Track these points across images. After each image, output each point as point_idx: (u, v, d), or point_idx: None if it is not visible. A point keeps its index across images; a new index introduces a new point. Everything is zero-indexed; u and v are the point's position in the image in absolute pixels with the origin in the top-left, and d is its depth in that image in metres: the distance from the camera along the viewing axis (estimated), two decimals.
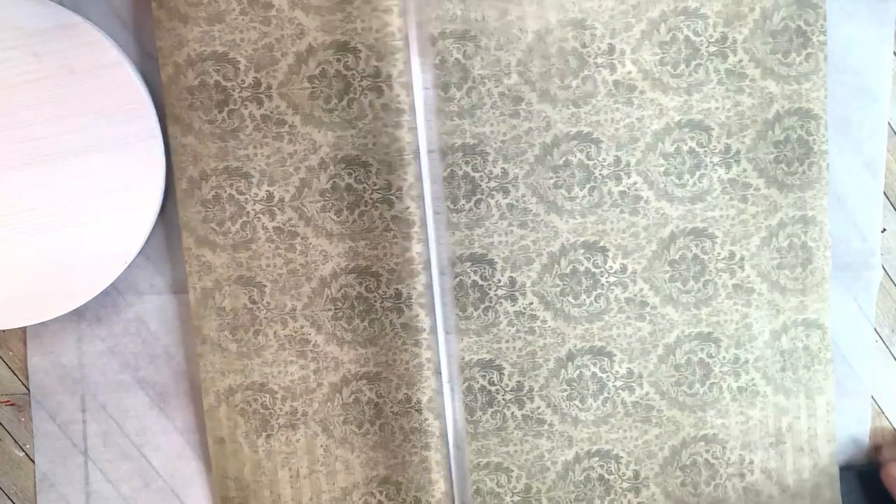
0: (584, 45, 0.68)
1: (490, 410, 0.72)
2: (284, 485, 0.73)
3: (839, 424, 0.75)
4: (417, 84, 0.63)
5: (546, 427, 0.73)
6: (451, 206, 0.70)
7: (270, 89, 0.68)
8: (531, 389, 0.72)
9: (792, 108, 0.70)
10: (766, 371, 0.73)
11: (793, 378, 0.73)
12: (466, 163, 0.69)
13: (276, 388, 0.72)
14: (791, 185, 0.71)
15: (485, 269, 0.71)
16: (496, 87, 0.69)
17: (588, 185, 0.70)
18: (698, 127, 0.70)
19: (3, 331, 0.74)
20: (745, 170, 0.71)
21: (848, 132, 0.73)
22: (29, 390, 0.74)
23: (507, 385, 0.72)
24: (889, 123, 0.73)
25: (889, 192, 0.75)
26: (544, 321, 0.71)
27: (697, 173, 0.71)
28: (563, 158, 0.70)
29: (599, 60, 0.69)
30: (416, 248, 0.69)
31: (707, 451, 0.74)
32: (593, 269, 0.71)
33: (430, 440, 0.71)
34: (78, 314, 0.73)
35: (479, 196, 0.70)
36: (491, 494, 0.73)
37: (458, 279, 0.71)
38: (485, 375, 0.72)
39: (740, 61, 0.70)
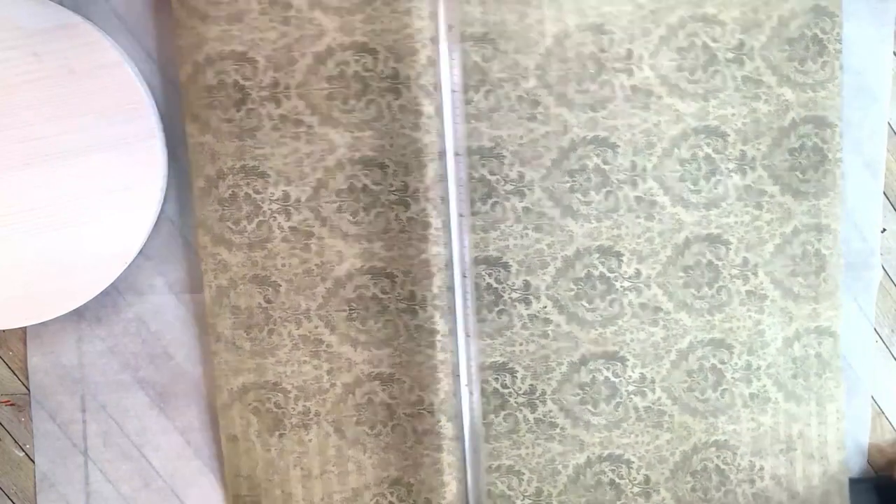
0: (602, 50, 0.68)
1: (503, 413, 0.72)
2: (296, 484, 0.73)
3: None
4: (446, 86, 0.63)
5: (558, 431, 0.73)
6: (467, 209, 0.70)
7: (289, 89, 0.68)
8: (544, 393, 0.72)
9: (807, 116, 0.71)
10: (778, 378, 0.73)
11: (804, 385, 0.73)
12: (483, 165, 0.70)
13: (289, 387, 0.72)
14: (806, 193, 0.72)
15: (499, 272, 0.71)
16: (514, 90, 0.69)
17: (604, 190, 0.70)
18: (714, 133, 0.70)
19: (3, 331, 0.74)
20: (760, 176, 0.71)
21: (848, 132, 0.73)
22: (29, 390, 0.75)
23: (520, 388, 0.72)
24: (889, 123, 0.74)
25: (889, 192, 0.75)
26: (558, 325, 0.71)
27: (713, 179, 0.71)
28: (580, 163, 0.70)
29: (617, 65, 0.69)
30: (432, 250, 0.69)
31: (718, 457, 0.74)
32: (608, 274, 0.71)
33: (443, 442, 0.71)
34: (78, 314, 0.73)
35: (494, 199, 0.70)
36: (502, 497, 0.73)
37: (472, 282, 0.71)
38: (497, 378, 0.72)
39: (757, 68, 0.70)
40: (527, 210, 0.70)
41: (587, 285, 0.71)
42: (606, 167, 0.70)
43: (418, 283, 0.69)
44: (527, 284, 0.71)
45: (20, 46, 0.65)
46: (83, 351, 0.73)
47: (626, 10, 0.68)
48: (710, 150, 0.70)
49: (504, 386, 0.72)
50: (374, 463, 0.73)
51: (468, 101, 0.68)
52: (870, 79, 0.72)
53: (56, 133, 0.66)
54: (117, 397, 0.74)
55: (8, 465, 0.75)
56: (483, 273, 0.71)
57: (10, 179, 0.66)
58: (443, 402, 0.71)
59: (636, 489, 0.74)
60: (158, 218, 0.71)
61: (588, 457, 0.73)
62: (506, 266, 0.71)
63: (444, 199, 0.68)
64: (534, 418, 0.72)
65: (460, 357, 0.67)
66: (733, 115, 0.70)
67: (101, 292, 0.68)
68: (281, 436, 0.72)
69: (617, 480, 0.73)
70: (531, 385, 0.72)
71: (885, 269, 0.75)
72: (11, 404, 0.75)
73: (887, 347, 0.76)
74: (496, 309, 0.71)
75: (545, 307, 0.71)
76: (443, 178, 0.68)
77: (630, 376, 0.72)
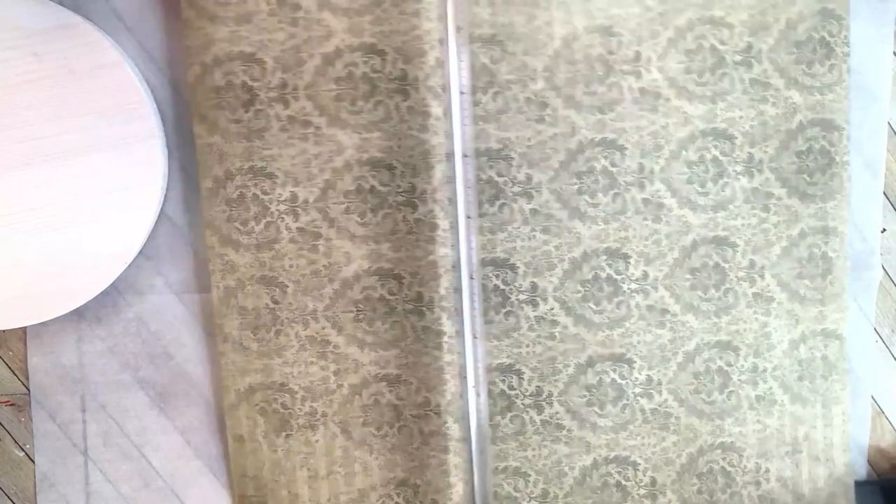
0: (610, 52, 0.68)
1: (509, 415, 0.72)
2: (302, 485, 0.73)
3: None
4: (454, 88, 0.63)
5: (565, 432, 0.73)
6: (475, 211, 0.70)
7: (297, 90, 0.68)
8: (550, 395, 0.72)
9: (815, 119, 0.71)
10: (784, 380, 0.73)
11: (810, 388, 0.73)
12: (490, 167, 0.70)
13: (296, 388, 0.72)
14: (813, 196, 0.72)
15: (507, 273, 0.71)
16: (522, 92, 0.69)
17: (611, 192, 0.70)
18: (722, 136, 0.70)
19: (3, 331, 0.74)
20: (767, 179, 0.71)
21: (848, 132, 0.73)
22: (29, 390, 0.75)
23: (527, 390, 0.72)
24: (889, 123, 0.74)
25: (889, 192, 0.75)
26: (565, 327, 0.71)
27: (720, 182, 0.71)
28: (588, 165, 0.70)
29: (626, 67, 0.69)
30: (440, 252, 0.69)
31: (724, 459, 0.74)
32: (615, 276, 0.71)
33: (449, 443, 0.71)
34: (78, 314, 0.73)
35: (502, 201, 0.70)
36: (508, 499, 0.73)
37: (480, 284, 0.71)
38: (504, 380, 0.72)
39: (765, 71, 0.70)
40: (534, 212, 0.70)
41: (594, 287, 0.71)
42: (614, 169, 0.70)
43: (425, 285, 0.69)
44: (534, 286, 0.71)
45: (20, 46, 0.65)
46: (83, 351, 0.73)
47: (634, 13, 0.68)
48: (717, 153, 0.70)
49: (511, 387, 0.72)
50: (380, 464, 0.73)
51: (476, 103, 0.68)
52: (870, 79, 0.72)
53: (56, 133, 0.66)
54: (117, 397, 0.74)
55: (8, 465, 0.75)
56: (490, 275, 0.71)
57: (10, 179, 0.66)
58: (449, 404, 0.71)
59: (642, 491, 0.74)
60: (158, 218, 0.71)
61: (594, 459, 0.73)
62: (513, 268, 0.71)
63: (452, 201, 0.68)
64: (540, 420, 0.72)
65: (467, 358, 0.67)
66: (741, 117, 0.70)
67: (101, 292, 0.68)
68: (287, 436, 0.72)
69: (623, 482, 0.73)
70: (538, 387, 0.72)
71: (885, 269, 0.75)
72: (11, 404, 0.75)
73: (887, 347, 0.76)
74: (503, 311, 0.71)
75: (552, 309, 0.71)
76: (450, 179, 0.68)
77: (637, 378, 0.72)
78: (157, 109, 0.69)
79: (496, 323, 0.71)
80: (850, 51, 0.71)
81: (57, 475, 0.75)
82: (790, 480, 0.74)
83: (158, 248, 0.73)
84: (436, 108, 0.67)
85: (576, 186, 0.70)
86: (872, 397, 0.76)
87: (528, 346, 0.72)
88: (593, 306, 0.71)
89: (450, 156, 0.68)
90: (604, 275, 0.71)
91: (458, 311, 0.70)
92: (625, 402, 0.73)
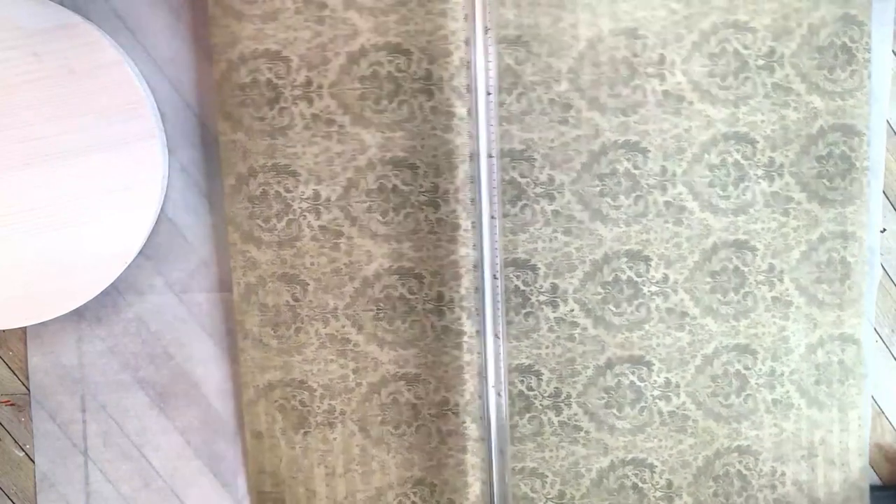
0: (635, 55, 0.69)
1: (527, 416, 0.72)
2: (320, 482, 0.73)
3: None
4: (480, 88, 0.63)
5: (582, 434, 0.73)
6: (499, 211, 0.70)
7: (321, 88, 0.68)
8: (569, 396, 0.72)
9: (836, 124, 0.71)
10: (801, 384, 0.73)
11: (827, 392, 0.74)
12: (513, 168, 0.70)
13: (315, 385, 0.72)
14: (832, 201, 0.72)
15: (527, 274, 0.71)
16: (546, 93, 0.69)
17: (633, 195, 0.70)
18: (744, 139, 0.70)
19: (3, 331, 0.74)
20: (787, 183, 0.71)
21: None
22: (29, 390, 0.74)
23: (546, 391, 0.72)
24: (889, 123, 0.74)
25: (889, 192, 0.75)
26: (585, 328, 0.72)
27: (741, 185, 0.71)
28: (610, 167, 0.70)
29: (650, 70, 0.69)
30: (461, 252, 0.69)
31: (740, 462, 0.74)
32: (635, 278, 0.71)
33: (467, 443, 0.71)
34: (78, 314, 0.73)
35: (524, 202, 0.70)
36: (525, 500, 0.73)
37: (503, 284, 0.71)
38: (523, 380, 0.72)
39: (787, 76, 0.70)
40: (556, 213, 0.70)
41: (615, 289, 0.71)
42: (636, 172, 0.70)
43: (446, 284, 0.70)
44: (554, 287, 0.71)
45: (20, 46, 0.65)
46: (83, 351, 0.73)
47: (659, 16, 0.68)
48: (739, 157, 0.71)
49: (529, 388, 0.72)
50: (397, 463, 0.73)
51: (500, 104, 0.69)
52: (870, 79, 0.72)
53: (56, 133, 0.66)
54: (117, 397, 0.74)
55: (8, 465, 0.75)
56: (511, 275, 0.71)
57: (10, 179, 0.66)
58: (468, 404, 0.71)
59: (658, 493, 0.74)
60: (158, 218, 0.71)
61: (612, 461, 0.73)
62: (534, 269, 0.71)
63: (474, 201, 0.68)
64: (558, 421, 0.73)
65: (488, 358, 0.67)
66: (763, 121, 0.70)
67: (101, 292, 0.68)
68: (306, 433, 0.73)
69: (640, 484, 0.74)
70: (556, 388, 0.72)
71: (885, 269, 0.75)
72: (11, 404, 0.75)
73: (887, 347, 0.76)
74: (523, 311, 0.71)
75: (572, 310, 0.71)
76: (473, 179, 0.69)
77: (655, 381, 0.72)
78: (156, 109, 0.69)
79: (516, 323, 0.71)
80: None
81: (57, 475, 0.75)
82: (805, 484, 0.74)
83: (158, 248, 0.73)
84: (459, 109, 0.68)
85: (598, 188, 0.70)
86: (872, 397, 0.76)
87: (547, 347, 0.72)
88: (613, 308, 0.72)
89: (473, 156, 0.68)
90: (624, 277, 0.71)
91: (479, 311, 0.70)
92: (643, 404, 0.73)
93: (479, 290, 0.67)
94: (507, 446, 0.72)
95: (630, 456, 0.73)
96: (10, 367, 0.74)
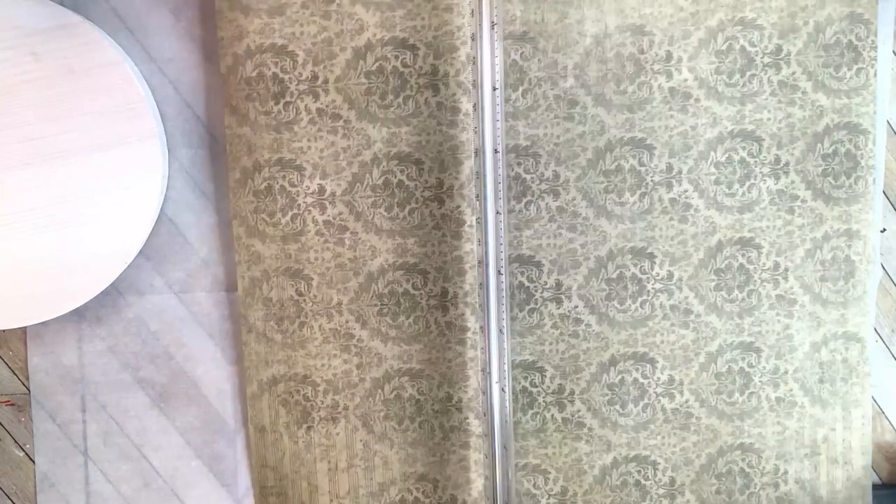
0: (641, 51, 0.69)
1: (530, 412, 0.73)
2: (322, 477, 0.73)
3: None
4: (486, 84, 0.63)
5: (585, 431, 0.73)
6: (504, 206, 0.70)
7: (327, 83, 0.68)
8: (572, 393, 0.72)
9: (841, 122, 0.71)
10: (805, 382, 0.73)
11: (830, 390, 0.74)
12: (518, 164, 0.70)
13: (318, 380, 0.72)
14: (837, 199, 0.72)
15: (532, 270, 0.71)
16: (552, 89, 0.69)
17: (639, 191, 0.70)
18: (750, 137, 0.70)
19: (3, 331, 0.74)
20: (793, 181, 0.71)
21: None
22: (29, 390, 0.74)
23: (549, 387, 0.72)
24: (889, 123, 0.74)
25: (889, 192, 0.75)
26: (588, 325, 0.72)
27: (747, 183, 0.71)
28: (616, 163, 0.70)
29: (656, 67, 0.69)
30: (465, 247, 0.69)
31: (743, 460, 0.74)
32: (640, 275, 0.71)
33: (470, 439, 0.71)
34: (78, 314, 0.73)
35: (529, 198, 0.70)
36: (528, 496, 0.73)
37: (508, 279, 0.71)
38: (526, 377, 0.72)
39: (793, 73, 0.70)
40: (561, 209, 0.70)
41: (619, 286, 0.71)
42: (642, 168, 0.70)
43: (450, 280, 0.70)
44: (558, 284, 0.71)
45: (20, 46, 0.65)
46: (83, 351, 0.73)
47: (666, 12, 0.68)
48: (744, 154, 0.70)
49: (533, 384, 0.72)
50: (400, 458, 0.73)
51: (506, 100, 0.68)
52: None
53: (56, 133, 0.66)
54: (117, 397, 0.74)
55: (8, 465, 0.76)
56: (515, 271, 0.71)
57: (10, 179, 0.66)
58: (471, 400, 0.71)
59: (661, 490, 0.74)
60: (158, 218, 0.71)
61: (615, 457, 0.73)
62: (538, 265, 0.71)
63: (479, 197, 0.68)
64: (561, 418, 0.73)
65: (492, 354, 0.67)
66: (769, 119, 0.70)
67: (102, 292, 0.68)
68: (309, 428, 0.73)
69: (643, 482, 0.74)
70: (560, 384, 0.72)
71: (885, 269, 0.75)
72: (11, 404, 0.75)
73: (887, 347, 0.76)
74: (527, 307, 0.71)
75: (576, 307, 0.71)
76: (478, 175, 0.68)
77: (659, 378, 0.72)
78: (156, 109, 0.69)
79: (520, 319, 0.71)
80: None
81: (57, 475, 0.75)
82: (808, 482, 0.74)
83: (158, 247, 0.73)
84: (465, 104, 0.67)
85: (603, 185, 0.70)
86: (872, 397, 0.76)
87: (551, 343, 0.72)
88: (617, 305, 0.72)
89: (478, 151, 0.68)
90: (629, 274, 0.71)
91: (483, 307, 0.70)
92: (646, 401, 0.73)
93: (484, 286, 0.67)
94: (510, 442, 0.72)
95: (633, 453, 0.73)
96: (10, 367, 0.75)
